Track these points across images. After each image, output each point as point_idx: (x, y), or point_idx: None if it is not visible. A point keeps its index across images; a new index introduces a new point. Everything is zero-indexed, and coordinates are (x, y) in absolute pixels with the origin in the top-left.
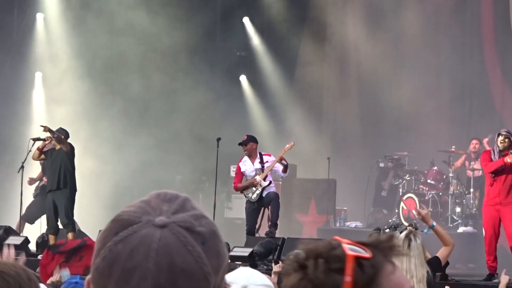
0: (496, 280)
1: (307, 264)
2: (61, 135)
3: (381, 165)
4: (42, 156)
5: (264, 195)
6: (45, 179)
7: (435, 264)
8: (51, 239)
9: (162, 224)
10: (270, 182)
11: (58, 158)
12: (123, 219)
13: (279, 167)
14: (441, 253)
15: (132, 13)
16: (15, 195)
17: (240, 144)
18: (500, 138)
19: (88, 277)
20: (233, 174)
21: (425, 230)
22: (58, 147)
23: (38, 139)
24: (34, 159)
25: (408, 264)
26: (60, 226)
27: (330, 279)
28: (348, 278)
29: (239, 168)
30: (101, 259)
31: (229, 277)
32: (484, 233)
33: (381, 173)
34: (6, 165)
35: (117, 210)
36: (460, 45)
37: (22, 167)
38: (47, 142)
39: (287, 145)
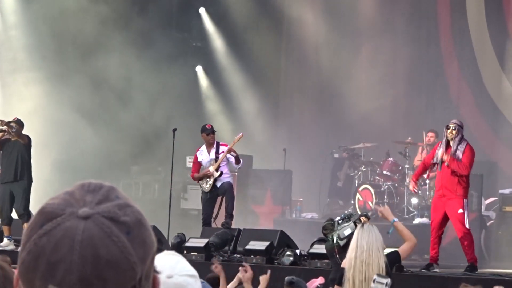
0: (436, 270)
1: None
2: (19, 127)
3: (336, 155)
4: None
5: (218, 185)
6: None
7: (394, 258)
8: (5, 230)
9: (86, 215)
10: (222, 173)
11: (15, 150)
12: (47, 211)
13: (231, 159)
14: (402, 248)
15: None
16: None
17: (206, 131)
18: (448, 130)
19: (16, 272)
20: (189, 164)
21: (389, 231)
22: (14, 138)
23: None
24: None
25: (365, 239)
26: (15, 217)
27: None
28: None
29: (196, 158)
30: (27, 253)
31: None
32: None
33: (336, 163)
34: None
35: None
36: (416, 37)
37: None
38: (5, 135)
39: (236, 137)
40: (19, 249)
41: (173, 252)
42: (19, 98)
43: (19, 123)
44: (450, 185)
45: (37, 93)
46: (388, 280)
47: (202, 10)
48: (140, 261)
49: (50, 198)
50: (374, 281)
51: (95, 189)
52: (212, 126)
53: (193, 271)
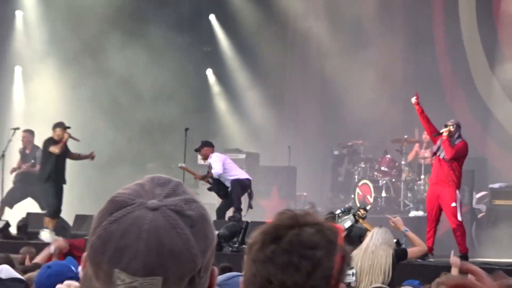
0: (430, 260)
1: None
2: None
3: (336, 152)
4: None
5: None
6: (24, 166)
7: (401, 254)
8: (50, 222)
9: (154, 207)
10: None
11: (64, 154)
12: (118, 200)
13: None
14: (412, 249)
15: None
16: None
17: (196, 150)
18: (445, 129)
19: (85, 254)
20: (200, 161)
21: (402, 241)
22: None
23: (18, 128)
24: (57, 152)
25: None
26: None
27: None
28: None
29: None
30: (96, 237)
31: None
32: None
33: (336, 160)
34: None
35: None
36: (413, 40)
37: (3, 155)
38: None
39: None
40: (89, 234)
41: None
42: (38, 96)
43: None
44: (444, 175)
45: (54, 92)
46: (354, 270)
47: (212, 17)
48: (201, 254)
49: (121, 188)
50: None
51: (164, 183)
52: (202, 142)
53: None
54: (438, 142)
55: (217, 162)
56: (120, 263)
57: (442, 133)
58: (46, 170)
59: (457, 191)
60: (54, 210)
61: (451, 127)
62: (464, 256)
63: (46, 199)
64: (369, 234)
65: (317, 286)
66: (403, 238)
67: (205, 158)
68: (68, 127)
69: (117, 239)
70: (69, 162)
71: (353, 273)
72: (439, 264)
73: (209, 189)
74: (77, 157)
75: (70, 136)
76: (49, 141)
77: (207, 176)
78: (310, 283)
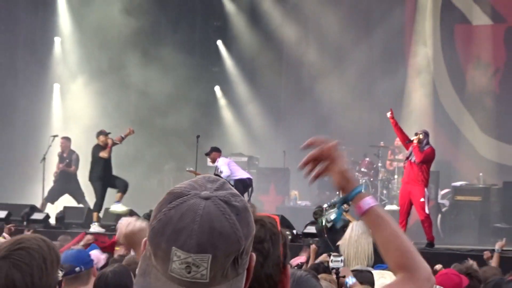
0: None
1: None
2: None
3: None
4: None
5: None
6: (60, 165)
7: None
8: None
9: (206, 196)
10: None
11: (110, 157)
12: (176, 192)
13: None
14: None
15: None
16: (38, 181)
17: (206, 154)
18: (415, 137)
19: (145, 238)
20: (209, 164)
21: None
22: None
23: (56, 135)
24: (106, 156)
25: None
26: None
27: None
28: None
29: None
30: (157, 221)
31: None
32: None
33: None
34: (31, 157)
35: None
36: (387, 61)
37: (44, 158)
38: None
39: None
40: (150, 220)
41: None
42: (73, 107)
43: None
44: (414, 176)
45: (85, 103)
46: (343, 257)
47: (219, 42)
48: (244, 237)
49: (178, 184)
50: (331, 260)
51: (214, 180)
52: (211, 148)
53: None
54: (410, 148)
55: (224, 166)
56: (177, 242)
57: (413, 140)
58: (97, 172)
59: (425, 189)
60: (100, 206)
61: (420, 135)
62: (430, 244)
63: (97, 196)
64: (349, 226)
65: (270, 273)
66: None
67: (213, 161)
68: (109, 133)
69: (175, 222)
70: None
71: (341, 260)
72: None
73: None
74: (121, 139)
75: (113, 141)
76: (97, 148)
77: None
78: (264, 272)
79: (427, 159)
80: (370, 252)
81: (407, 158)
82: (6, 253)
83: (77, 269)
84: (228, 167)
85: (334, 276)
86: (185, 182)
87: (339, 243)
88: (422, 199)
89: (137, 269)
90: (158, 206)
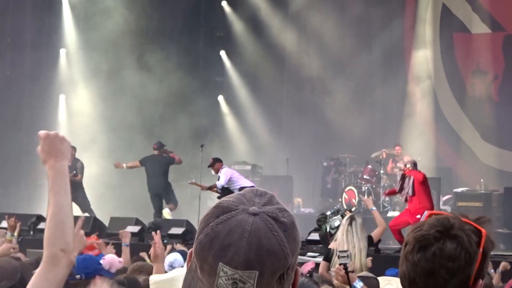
0: None
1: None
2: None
3: (325, 164)
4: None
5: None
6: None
7: (368, 241)
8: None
9: (255, 212)
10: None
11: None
12: (223, 206)
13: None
14: (375, 232)
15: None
16: (45, 190)
17: (209, 166)
18: (405, 168)
19: (191, 249)
20: (213, 172)
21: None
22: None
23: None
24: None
25: (351, 237)
26: None
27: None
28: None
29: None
30: (204, 235)
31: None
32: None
33: (325, 170)
34: (38, 167)
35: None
36: (389, 71)
37: None
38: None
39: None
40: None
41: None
42: (78, 116)
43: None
44: (419, 204)
45: (90, 112)
46: (349, 252)
47: (222, 53)
48: (291, 254)
49: (225, 197)
50: (338, 256)
51: (262, 194)
52: (213, 159)
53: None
54: (400, 184)
55: (223, 176)
56: (224, 258)
57: (404, 171)
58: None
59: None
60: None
61: (410, 166)
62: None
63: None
64: (340, 228)
65: None
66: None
67: (217, 171)
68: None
69: (223, 238)
70: (103, 172)
71: (348, 255)
72: None
73: (218, 198)
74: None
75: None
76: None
77: (213, 187)
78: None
79: (425, 184)
80: (365, 249)
81: (401, 193)
82: None
83: (78, 276)
84: (226, 178)
85: (343, 272)
86: (233, 195)
87: (330, 246)
88: (418, 216)
89: (182, 282)
90: (205, 219)
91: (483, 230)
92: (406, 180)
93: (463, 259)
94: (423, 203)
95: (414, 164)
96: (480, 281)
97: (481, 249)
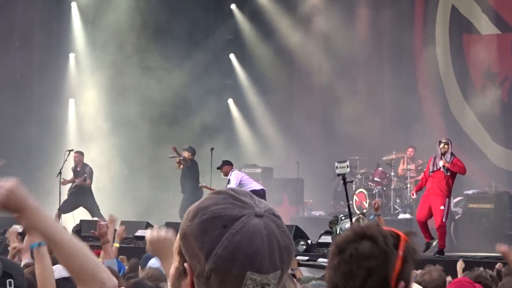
0: (447, 254)
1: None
2: (189, 152)
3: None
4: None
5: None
6: (77, 180)
7: None
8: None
9: (261, 214)
10: None
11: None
12: (223, 215)
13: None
14: None
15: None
16: (54, 194)
17: (218, 168)
18: (441, 145)
19: (186, 263)
20: (224, 176)
21: (371, 216)
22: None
23: (72, 150)
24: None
25: None
26: None
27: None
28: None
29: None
30: (223, 249)
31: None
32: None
33: (334, 173)
34: (47, 171)
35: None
36: (398, 74)
37: (60, 172)
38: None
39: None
40: (204, 249)
41: None
42: (86, 120)
43: (190, 149)
44: (439, 186)
45: (98, 116)
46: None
47: (232, 56)
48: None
49: (208, 205)
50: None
51: (244, 193)
52: (223, 161)
53: None
54: (433, 160)
55: (234, 179)
56: (252, 266)
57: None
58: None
59: (447, 199)
60: None
61: (446, 144)
62: (441, 251)
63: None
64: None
65: None
66: (373, 216)
67: (226, 174)
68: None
69: (246, 247)
70: (112, 176)
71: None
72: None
73: None
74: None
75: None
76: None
77: None
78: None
79: (462, 169)
80: None
81: (432, 169)
82: None
83: None
84: (236, 181)
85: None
86: (217, 201)
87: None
88: (442, 207)
89: None
90: (210, 233)
91: (401, 234)
92: (445, 157)
93: (379, 258)
94: (444, 191)
95: (451, 142)
96: (402, 283)
97: (400, 252)
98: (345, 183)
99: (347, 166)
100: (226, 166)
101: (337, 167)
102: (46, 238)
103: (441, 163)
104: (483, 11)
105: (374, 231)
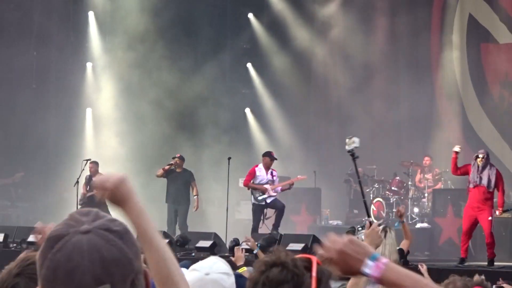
0: (467, 264)
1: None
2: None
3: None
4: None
5: (269, 201)
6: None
7: (400, 254)
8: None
9: (86, 230)
10: (276, 193)
11: (179, 179)
12: (54, 235)
13: (283, 187)
14: (403, 245)
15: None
16: (72, 203)
17: (270, 157)
18: (478, 159)
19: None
20: (241, 185)
21: (396, 224)
22: (178, 170)
23: (89, 159)
24: (157, 176)
25: (383, 249)
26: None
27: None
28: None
29: (254, 171)
30: (46, 269)
31: (194, 265)
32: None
33: (346, 182)
34: (65, 180)
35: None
36: (416, 79)
37: (77, 182)
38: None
39: (300, 176)
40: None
41: (214, 257)
42: (103, 129)
43: (181, 159)
44: (483, 200)
45: (114, 127)
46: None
47: (249, 65)
48: (135, 257)
49: (54, 226)
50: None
51: (87, 212)
52: (274, 154)
53: (228, 270)
54: (475, 172)
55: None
56: (73, 282)
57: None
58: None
59: (492, 209)
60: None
61: (483, 157)
62: (491, 261)
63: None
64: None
65: None
66: (398, 223)
67: (268, 165)
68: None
69: (64, 264)
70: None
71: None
72: (463, 268)
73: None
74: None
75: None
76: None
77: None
78: None
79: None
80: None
81: (474, 183)
82: (19, 270)
83: None
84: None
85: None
86: (60, 223)
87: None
88: (490, 218)
89: None
90: (41, 254)
91: (313, 257)
92: (486, 170)
93: (291, 281)
94: (489, 203)
95: (488, 155)
96: None
97: (313, 274)
98: (354, 159)
99: (356, 142)
100: (263, 157)
101: (346, 144)
102: (142, 237)
103: (497, 212)
104: (501, 20)
105: (282, 258)
